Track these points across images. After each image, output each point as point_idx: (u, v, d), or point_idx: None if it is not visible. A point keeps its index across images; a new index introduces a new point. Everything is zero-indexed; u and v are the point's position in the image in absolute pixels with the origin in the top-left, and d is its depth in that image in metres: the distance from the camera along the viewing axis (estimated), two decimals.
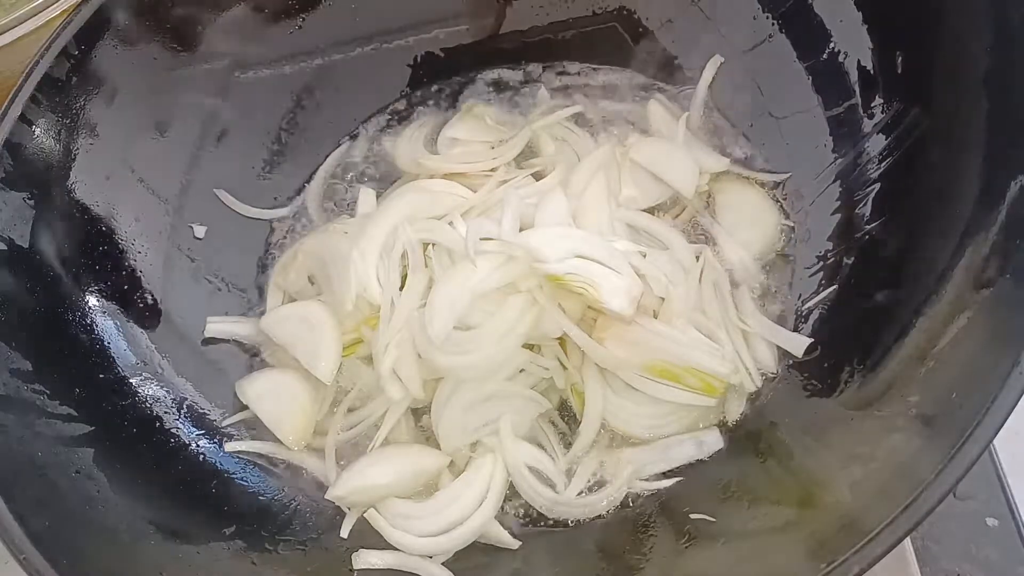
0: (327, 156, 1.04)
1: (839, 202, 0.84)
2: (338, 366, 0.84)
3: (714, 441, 0.78)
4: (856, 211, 0.81)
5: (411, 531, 0.76)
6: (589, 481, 0.78)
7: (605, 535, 0.75)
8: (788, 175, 0.89)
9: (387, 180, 1.01)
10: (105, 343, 0.83)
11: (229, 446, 0.84)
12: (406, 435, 0.83)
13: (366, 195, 0.96)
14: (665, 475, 0.77)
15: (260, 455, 0.84)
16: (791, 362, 0.80)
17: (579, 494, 0.78)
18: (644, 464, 0.78)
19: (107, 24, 0.85)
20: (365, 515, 0.77)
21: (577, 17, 1.02)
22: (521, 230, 0.81)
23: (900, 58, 0.79)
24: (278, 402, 0.85)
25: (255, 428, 0.86)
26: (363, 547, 0.75)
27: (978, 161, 0.67)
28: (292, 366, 0.87)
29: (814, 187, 0.87)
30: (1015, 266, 0.58)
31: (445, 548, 0.75)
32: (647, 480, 0.77)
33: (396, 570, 0.74)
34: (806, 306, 0.82)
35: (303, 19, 0.98)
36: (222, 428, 0.86)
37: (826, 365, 0.76)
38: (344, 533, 0.77)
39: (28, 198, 0.80)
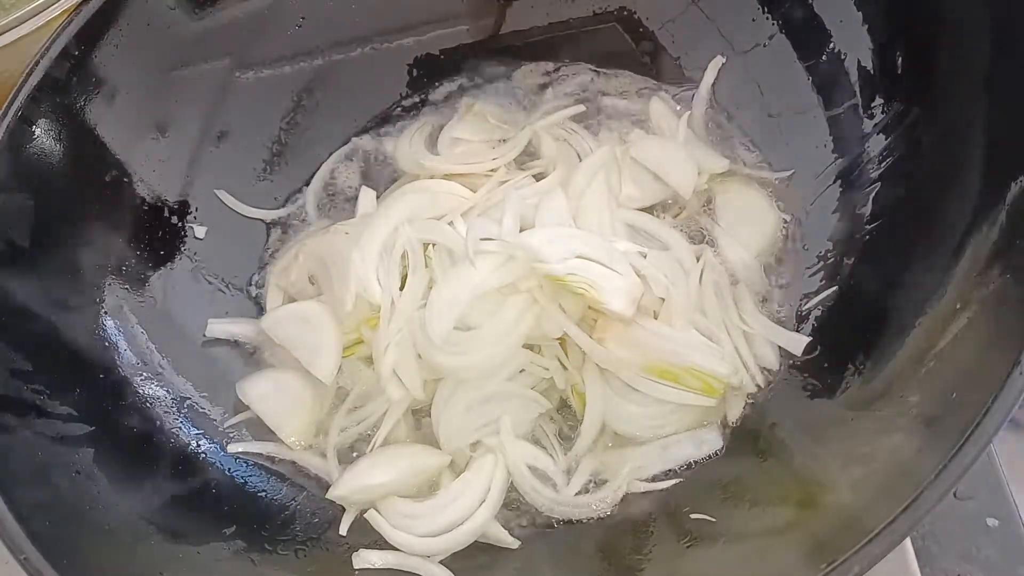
0: (327, 156, 1.04)
1: (839, 202, 0.84)
2: (338, 366, 0.84)
3: (713, 440, 0.78)
4: (856, 211, 0.81)
5: (411, 531, 0.76)
6: (589, 481, 0.78)
7: (605, 535, 0.75)
8: (788, 174, 0.89)
9: (387, 180, 1.01)
10: (105, 343, 0.83)
11: (231, 447, 0.84)
12: (406, 435, 0.83)
13: (366, 195, 0.96)
14: (665, 476, 0.77)
15: (261, 455, 0.84)
16: (791, 362, 0.80)
17: (578, 493, 0.78)
18: (643, 464, 0.78)
19: (107, 24, 0.85)
20: (366, 515, 0.77)
21: (577, 17, 1.02)
22: (521, 230, 0.81)
23: (900, 58, 0.79)
24: (279, 402, 0.85)
25: (256, 428, 0.86)
26: (363, 547, 0.75)
27: (978, 161, 0.67)
28: (293, 366, 0.86)
29: (814, 187, 0.87)
30: (1015, 266, 0.58)
31: (445, 548, 0.75)
32: (647, 480, 0.77)
33: (396, 570, 0.74)
34: (806, 306, 0.82)
35: (303, 19, 0.98)
36: (223, 428, 0.86)
37: (826, 365, 0.76)
38: (343, 530, 0.78)
39: (28, 198, 0.80)
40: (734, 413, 0.79)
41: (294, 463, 0.84)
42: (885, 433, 0.62)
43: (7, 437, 0.70)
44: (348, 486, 0.78)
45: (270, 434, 0.85)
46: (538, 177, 0.91)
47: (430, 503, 0.77)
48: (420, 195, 0.89)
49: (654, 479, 0.77)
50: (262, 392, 0.86)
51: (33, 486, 0.68)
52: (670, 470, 0.78)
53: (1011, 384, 0.52)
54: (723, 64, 0.95)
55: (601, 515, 0.77)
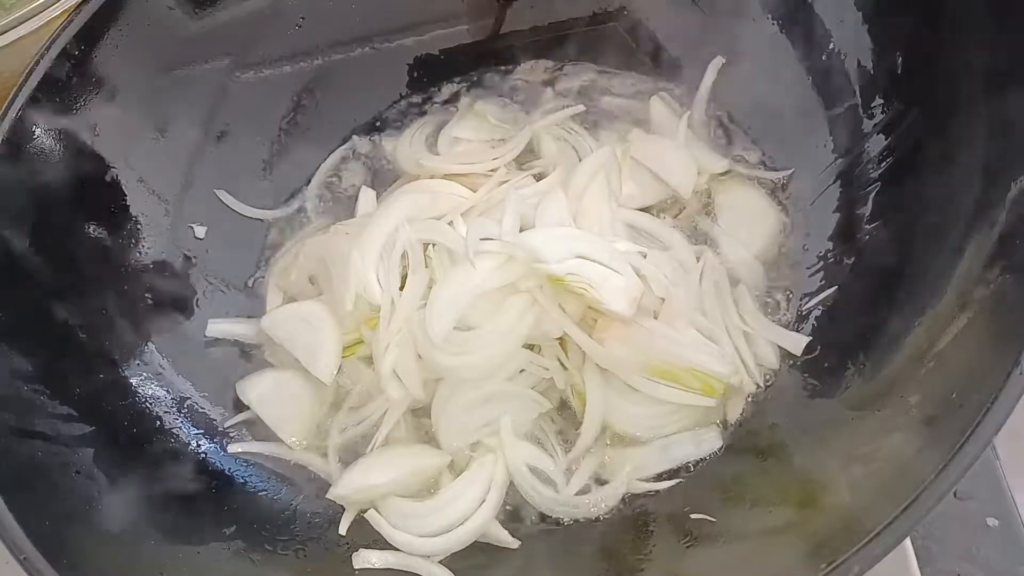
0: (327, 156, 1.04)
1: (839, 202, 0.84)
2: (338, 366, 0.84)
3: (713, 440, 0.78)
4: (856, 211, 0.81)
5: (412, 531, 0.76)
6: (589, 481, 0.78)
7: (606, 535, 0.75)
8: (788, 172, 0.89)
9: (387, 180, 1.01)
10: (105, 343, 0.83)
11: (232, 447, 0.84)
12: (406, 435, 0.83)
13: (366, 195, 0.96)
14: (665, 476, 0.77)
15: (261, 455, 0.84)
16: (792, 362, 0.80)
17: (578, 493, 0.78)
18: (643, 464, 0.78)
19: (107, 24, 0.85)
20: (366, 515, 0.77)
21: (577, 17, 1.02)
22: (521, 230, 0.81)
23: (900, 58, 0.79)
24: (279, 402, 0.85)
25: (256, 428, 0.86)
26: (363, 547, 0.75)
27: (978, 161, 0.67)
28: (293, 366, 0.86)
29: (814, 187, 0.87)
30: (1015, 266, 0.58)
31: (445, 548, 0.75)
32: (647, 480, 0.77)
33: (396, 570, 0.74)
34: (806, 306, 0.82)
35: (303, 19, 0.98)
36: (223, 428, 0.86)
37: (826, 365, 0.76)
38: (342, 530, 0.78)
39: (28, 198, 0.80)
40: (734, 413, 0.79)
41: (294, 463, 0.84)
42: (885, 433, 0.62)
43: (7, 437, 0.70)
44: (348, 486, 0.78)
45: (270, 434, 0.85)
46: (538, 177, 0.91)
47: (430, 503, 0.77)
48: (420, 195, 0.89)
49: (654, 479, 0.77)
50: (262, 392, 0.86)
51: (33, 486, 0.68)
52: (670, 470, 0.78)
53: (1011, 384, 0.52)
54: (723, 64, 0.95)
55: (601, 515, 0.77)
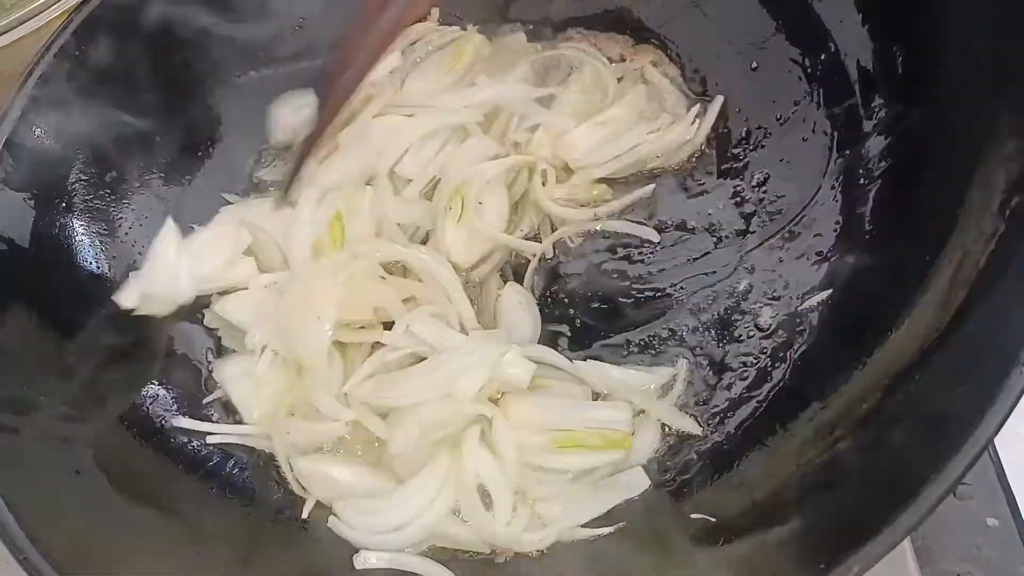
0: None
1: (839, 202, 0.84)
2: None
3: (639, 480, 0.75)
4: (856, 211, 0.81)
5: (371, 528, 0.74)
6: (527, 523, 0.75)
7: (607, 540, 0.75)
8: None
9: None
10: (105, 343, 0.83)
11: (211, 439, 0.82)
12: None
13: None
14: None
15: (263, 454, 0.84)
16: (794, 363, 0.79)
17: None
18: (576, 512, 0.74)
19: (107, 24, 0.85)
20: (328, 524, 0.76)
21: (577, 17, 1.02)
22: None
23: (900, 58, 0.79)
24: (253, 385, 0.83)
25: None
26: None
27: (978, 161, 0.67)
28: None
29: (814, 187, 0.86)
30: (1015, 266, 0.58)
31: (400, 544, 0.74)
32: (584, 527, 0.74)
33: (396, 570, 0.74)
34: (806, 306, 0.82)
35: (303, 19, 0.98)
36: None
37: (826, 365, 0.76)
38: (305, 514, 0.77)
39: (28, 198, 0.81)
40: (649, 447, 0.77)
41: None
42: (884, 433, 0.62)
43: (7, 437, 0.70)
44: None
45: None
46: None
47: (385, 500, 0.75)
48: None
49: (594, 525, 0.74)
50: (237, 373, 0.84)
51: (33, 486, 0.68)
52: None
53: (1011, 384, 0.52)
54: (723, 63, 0.95)
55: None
